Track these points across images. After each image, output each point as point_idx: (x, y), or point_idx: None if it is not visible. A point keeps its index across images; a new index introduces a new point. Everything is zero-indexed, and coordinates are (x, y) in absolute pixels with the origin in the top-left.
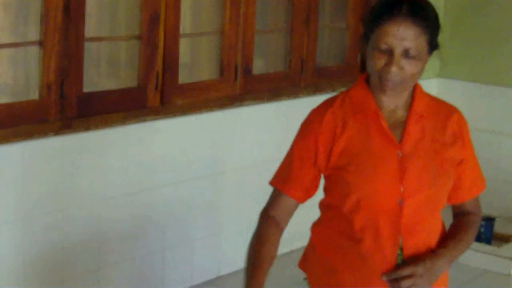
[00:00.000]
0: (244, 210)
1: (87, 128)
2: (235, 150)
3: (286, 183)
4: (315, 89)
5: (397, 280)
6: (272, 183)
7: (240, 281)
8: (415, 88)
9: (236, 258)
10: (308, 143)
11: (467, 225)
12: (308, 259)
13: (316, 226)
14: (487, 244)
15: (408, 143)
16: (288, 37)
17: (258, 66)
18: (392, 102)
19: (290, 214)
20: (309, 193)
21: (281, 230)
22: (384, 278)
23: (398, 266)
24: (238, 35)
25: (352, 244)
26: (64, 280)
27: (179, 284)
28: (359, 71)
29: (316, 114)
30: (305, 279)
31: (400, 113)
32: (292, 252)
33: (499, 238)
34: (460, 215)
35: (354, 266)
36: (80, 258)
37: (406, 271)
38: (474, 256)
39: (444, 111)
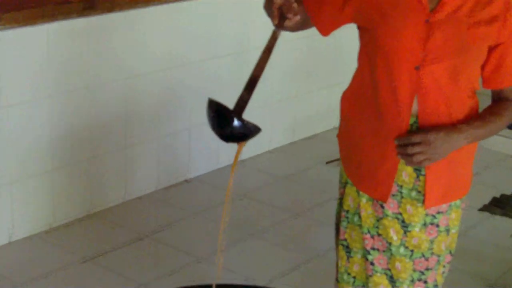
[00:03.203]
0: (271, 86)
1: (110, 9)
2: (260, 27)
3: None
4: None
5: (406, 146)
6: None
7: (263, 162)
8: None
9: (260, 138)
10: None
11: (500, 110)
12: (339, 128)
13: (344, 93)
14: (510, 129)
15: (440, 12)
16: None
17: None
18: None
19: (298, 19)
20: (324, 19)
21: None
22: (396, 142)
23: (411, 132)
24: None
25: (372, 102)
26: (92, 157)
27: (205, 164)
28: None
29: None
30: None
31: None
32: None
33: None
34: (496, 100)
35: (372, 125)
36: (105, 137)
37: (416, 138)
38: (499, 139)
39: None
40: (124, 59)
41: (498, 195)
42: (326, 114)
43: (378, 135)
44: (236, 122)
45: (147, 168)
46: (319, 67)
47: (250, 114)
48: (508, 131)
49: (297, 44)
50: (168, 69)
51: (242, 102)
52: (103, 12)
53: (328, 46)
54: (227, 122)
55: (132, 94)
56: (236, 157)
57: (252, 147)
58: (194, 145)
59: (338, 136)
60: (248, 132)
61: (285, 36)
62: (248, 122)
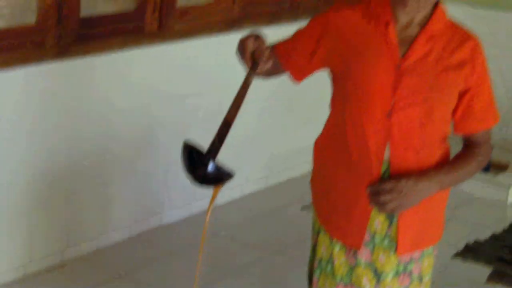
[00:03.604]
0: (247, 126)
1: (85, 53)
2: (235, 74)
3: (283, 44)
4: (315, 12)
5: (378, 193)
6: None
7: (238, 203)
8: (436, 9)
9: (235, 179)
10: (317, 25)
11: (470, 156)
12: (312, 174)
13: (316, 140)
14: (485, 172)
15: (410, 59)
16: None
17: None
18: (407, 18)
19: (269, 65)
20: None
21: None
22: (367, 190)
23: (382, 180)
24: None
25: (343, 151)
26: (69, 197)
27: (182, 200)
28: None
29: (338, 6)
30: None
31: (413, 30)
32: None
33: (497, 166)
34: (467, 146)
35: (344, 175)
36: (82, 175)
37: (388, 185)
38: (472, 183)
39: (460, 37)
40: (100, 100)
41: (471, 241)
42: (302, 153)
43: (350, 183)
44: (209, 167)
45: (124, 207)
46: (296, 107)
47: (226, 153)
48: (482, 174)
49: (272, 85)
50: (145, 106)
51: (215, 146)
52: (77, 56)
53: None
54: (201, 166)
55: (109, 133)
56: (212, 200)
57: (228, 186)
58: (172, 184)
59: (311, 182)
60: (221, 176)
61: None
62: (221, 167)
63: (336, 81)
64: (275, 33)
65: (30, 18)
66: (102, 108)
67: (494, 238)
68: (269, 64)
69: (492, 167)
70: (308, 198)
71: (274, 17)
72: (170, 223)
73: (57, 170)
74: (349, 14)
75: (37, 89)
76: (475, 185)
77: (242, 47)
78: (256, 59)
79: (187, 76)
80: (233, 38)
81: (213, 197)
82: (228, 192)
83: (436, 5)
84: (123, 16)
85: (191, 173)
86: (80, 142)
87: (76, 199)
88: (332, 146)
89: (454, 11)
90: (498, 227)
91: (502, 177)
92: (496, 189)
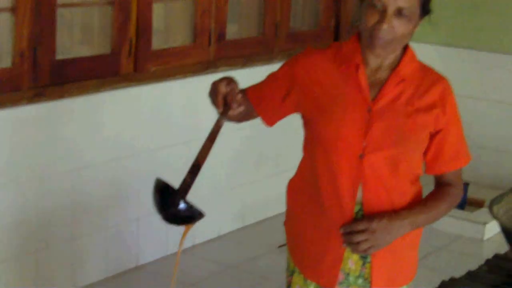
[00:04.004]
0: (219, 177)
1: (60, 96)
2: (210, 116)
3: (254, 88)
4: (289, 54)
5: (351, 234)
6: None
7: (213, 249)
8: (406, 52)
9: (210, 226)
10: (288, 70)
11: (442, 196)
12: (286, 215)
13: (289, 182)
14: (461, 209)
15: (380, 102)
16: (261, 2)
17: (232, 32)
18: (378, 61)
19: (241, 110)
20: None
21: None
22: (341, 231)
23: (355, 221)
24: (211, 0)
25: (314, 193)
26: (40, 248)
27: (154, 253)
28: (332, 35)
29: (309, 50)
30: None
31: (383, 74)
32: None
33: (473, 203)
34: (439, 185)
35: (315, 217)
36: (55, 227)
37: (360, 226)
38: (448, 221)
39: (430, 79)
40: (73, 148)
41: (447, 278)
42: (276, 200)
43: (323, 224)
44: (181, 205)
45: (95, 258)
46: (268, 153)
47: (198, 201)
48: (457, 211)
49: (245, 130)
50: (117, 158)
51: (186, 185)
52: (53, 99)
53: (277, 131)
54: (172, 204)
55: (81, 183)
56: (182, 240)
57: (201, 234)
58: (143, 235)
59: (285, 223)
60: (192, 215)
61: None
62: (192, 206)
63: (308, 124)
64: (250, 76)
65: (5, 61)
66: (74, 160)
67: (470, 275)
68: (241, 109)
69: (468, 204)
70: (282, 240)
71: (249, 60)
72: (142, 273)
73: (28, 221)
74: (320, 58)
75: (11, 135)
76: (451, 222)
77: (214, 90)
78: (228, 103)
79: (160, 124)
80: (208, 80)
81: (183, 237)
82: (202, 238)
83: (406, 48)
84: (98, 59)
85: (162, 212)
86: (51, 193)
87: (48, 251)
88: (305, 188)
89: (427, 51)
90: (474, 264)
91: (477, 214)
92: (472, 226)
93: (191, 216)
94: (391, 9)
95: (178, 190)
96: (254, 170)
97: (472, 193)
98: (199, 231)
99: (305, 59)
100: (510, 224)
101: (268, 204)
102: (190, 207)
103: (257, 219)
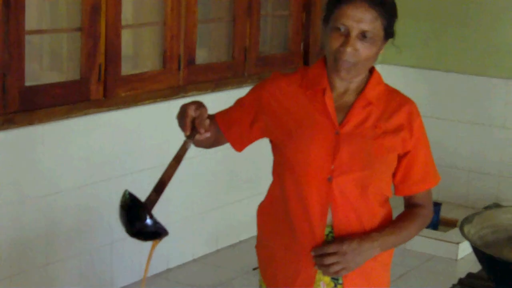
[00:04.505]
0: (192, 201)
1: (30, 123)
2: (180, 141)
3: (223, 114)
4: (259, 78)
5: (322, 256)
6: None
7: (188, 273)
8: (372, 75)
9: (184, 250)
10: (255, 95)
11: (412, 217)
12: (257, 239)
13: (259, 206)
14: (434, 229)
15: (348, 125)
16: (230, 27)
17: (201, 57)
18: (344, 85)
19: (208, 135)
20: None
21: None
22: (312, 253)
23: (326, 243)
24: (180, 25)
25: (284, 216)
26: (12, 276)
27: (128, 278)
28: (302, 58)
29: (276, 75)
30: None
31: (350, 97)
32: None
33: (446, 223)
34: (409, 206)
35: (286, 239)
36: (26, 254)
37: (331, 248)
38: (421, 241)
39: (396, 102)
40: (44, 175)
41: None
42: (249, 223)
43: (293, 247)
44: (148, 220)
45: (69, 286)
46: (240, 177)
47: (172, 225)
48: (430, 231)
49: (217, 153)
50: (88, 185)
51: (151, 202)
52: (22, 125)
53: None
54: (139, 218)
55: (53, 210)
56: (150, 256)
57: (175, 258)
58: (116, 260)
59: (256, 247)
60: (157, 230)
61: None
62: (158, 222)
63: (277, 149)
64: (220, 100)
65: None
66: (46, 186)
67: None
68: (207, 134)
69: (441, 224)
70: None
71: (219, 84)
72: None
73: (1, 247)
74: (286, 83)
75: None
76: (424, 242)
77: (183, 113)
78: (196, 127)
79: (131, 149)
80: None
81: (151, 253)
82: (176, 262)
83: (372, 71)
84: (68, 85)
85: (128, 223)
86: (23, 219)
87: (20, 278)
88: (275, 211)
89: (393, 73)
90: (448, 284)
91: (450, 234)
92: (445, 246)
93: (155, 232)
94: (354, 32)
95: (145, 205)
96: (226, 193)
97: (445, 213)
98: (173, 255)
99: (272, 84)
100: (482, 244)
101: (241, 227)
102: (156, 222)
103: (231, 242)
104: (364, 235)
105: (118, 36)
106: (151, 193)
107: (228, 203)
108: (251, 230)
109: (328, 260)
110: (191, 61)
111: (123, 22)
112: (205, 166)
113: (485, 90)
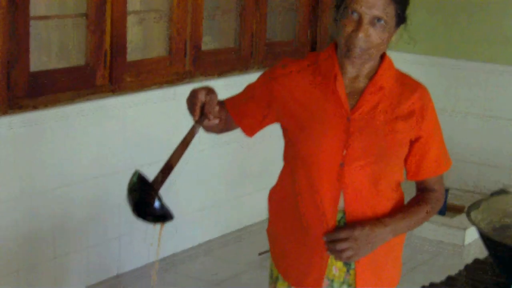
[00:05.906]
0: (203, 193)
1: (35, 108)
2: (187, 127)
3: (234, 103)
4: (266, 65)
5: (334, 242)
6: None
7: (197, 265)
8: (383, 60)
9: (191, 235)
10: (266, 87)
11: (424, 201)
12: (268, 223)
13: (270, 191)
14: (441, 215)
15: (359, 111)
16: (238, 16)
17: (208, 43)
18: (355, 71)
19: (217, 122)
20: (247, 123)
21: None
22: (324, 239)
23: (338, 228)
24: (187, 12)
25: (296, 202)
26: (20, 269)
27: (136, 270)
28: (310, 46)
29: (285, 61)
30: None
31: (361, 83)
32: None
33: (453, 209)
34: (421, 191)
35: (298, 224)
36: (35, 247)
37: (342, 234)
38: (428, 227)
39: (408, 87)
40: (48, 163)
41: (427, 284)
42: (260, 215)
43: (306, 232)
44: (157, 202)
45: (76, 279)
46: (251, 170)
47: (182, 219)
48: (437, 217)
49: (228, 146)
50: (95, 178)
51: (157, 183)
52: (28, 110)
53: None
54: (149, 200)
55: (62, 203)
56: (159, 238)
57: (184, 251)
58: (124, 253)
59: (267, 232)
60: (164, 215)
61: (216, 140)
62: (165, 205)
63: (288, 134)
64: (226, 86)
65: None
66: (53, 178)
67: (450, 280)
68: (216, 121)
69: (448, 210)
70: (265, 245)
71: (225, 69)
72: (123, 282)
73: (8, 242)
74: (297, 71)
75: None
76: (431, 228)
77: (193, 97)
78: (205, 113)
79: (139, 139)
80: (184, 90)
81: (160, 235)
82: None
83: (383, 57)
84: (74, 70)
85: (136, 204)
86: (31, 212)
87: (29, 272)
88: (287, 197)
89: (405, 59)
90: (454, 269)
91: (458, 220)
92: (452, 232)
93: (162, 215)
94: (366, 18)
95: (153, 188)
96: (237, 186)
97: (452, 199)
98: (183, 247)
99: (283, 74)
100: (488, 230)
101: (252, 219)
102: (163, 206)
103: (239, 234)
104: (376, 220)
105: (124, 22)
106: (158, 174)
107: (239, 195)
108: (262, 223)
109: (340, 246)
110: (197, 47)
111: (130, 8)
112: (216, 158)
113: (495, 78)
